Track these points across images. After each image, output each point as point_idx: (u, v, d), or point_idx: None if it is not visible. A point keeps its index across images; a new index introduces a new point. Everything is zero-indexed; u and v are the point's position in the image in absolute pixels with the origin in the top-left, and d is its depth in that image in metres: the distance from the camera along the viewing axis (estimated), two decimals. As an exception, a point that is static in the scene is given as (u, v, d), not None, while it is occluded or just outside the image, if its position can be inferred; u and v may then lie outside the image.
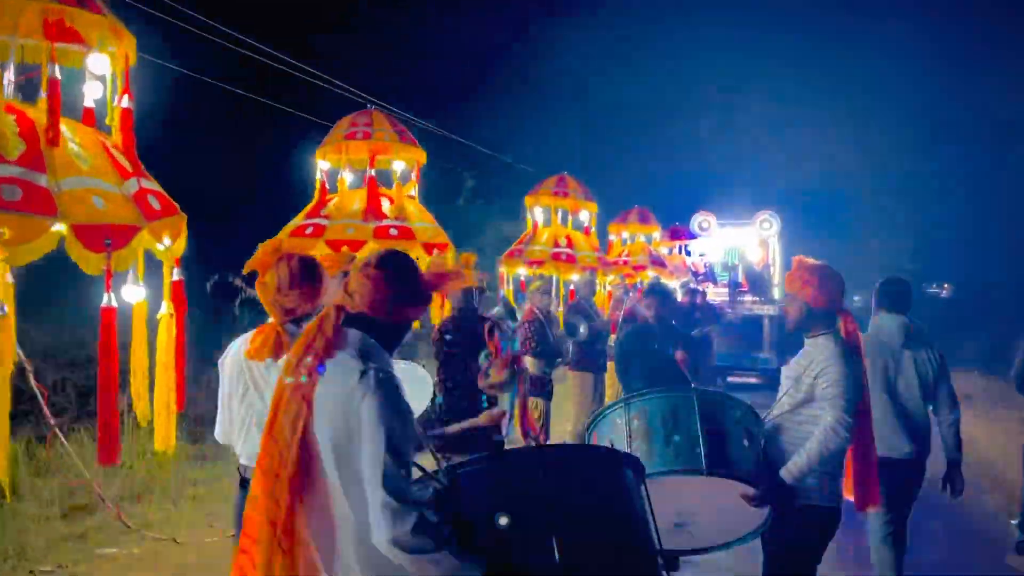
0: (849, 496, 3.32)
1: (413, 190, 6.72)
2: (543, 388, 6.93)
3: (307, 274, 2.80)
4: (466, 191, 22.33)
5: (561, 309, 8.88)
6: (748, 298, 15.03)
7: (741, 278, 15.53)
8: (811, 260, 3.36)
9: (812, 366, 3.17)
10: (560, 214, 10.09)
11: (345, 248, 5.56)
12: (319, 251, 6.03)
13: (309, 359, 1.95)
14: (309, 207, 6.45)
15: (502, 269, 9.85)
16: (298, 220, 6.37)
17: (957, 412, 4.15)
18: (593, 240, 10.37)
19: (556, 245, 9.72)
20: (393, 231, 6.17)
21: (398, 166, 6.50)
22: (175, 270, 3.67)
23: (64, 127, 3.13)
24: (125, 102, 3.45)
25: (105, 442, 3.11)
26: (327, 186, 6.57)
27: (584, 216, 10.25)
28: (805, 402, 3.16)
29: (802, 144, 26.66)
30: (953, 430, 4.12)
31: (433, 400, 3.78)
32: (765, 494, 2.96)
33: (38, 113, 3.15)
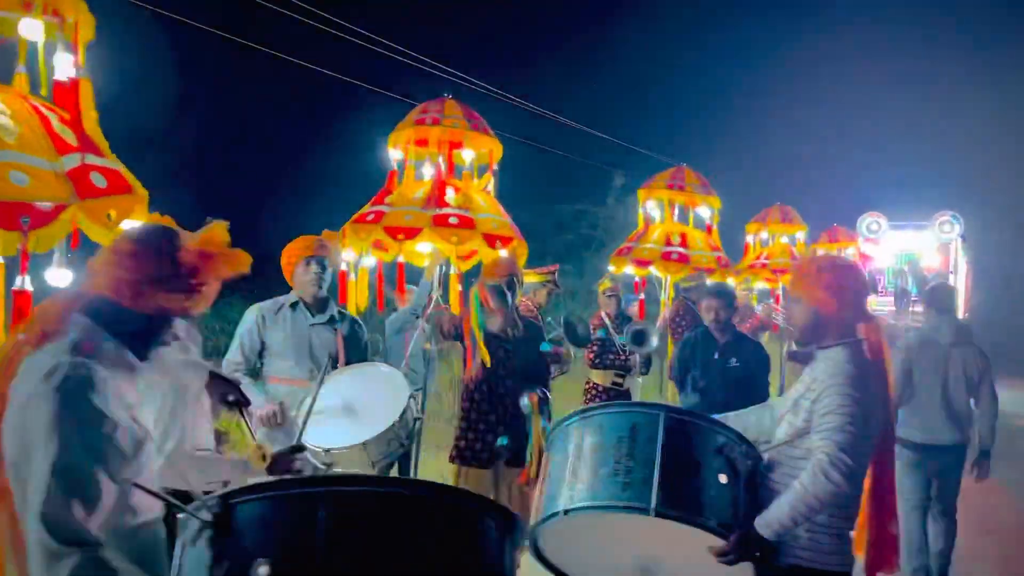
0: (860, 554, 2.69)
1: (489, 184, 6.26)
2: (610, 400, 6.25)
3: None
4: (615, 189, 21.93)
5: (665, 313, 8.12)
6: (919, 309, 13.24)
7: (911, 286, 13.68)
8: (826, 254, 2.55)
9: (814, 385, 2.53)
10: (677, 210, 9.21)
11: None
12: (376, 236, 5.73)
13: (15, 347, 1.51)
14: (379, 194, 6.16)
15: (611, 268, 9.16)
16: (365, 207, 6.09)
17: (996, 407, 4.78)
18: (715, 239, 9.38)
19: (668, 243, 8.90)
20: (453, 219, 5.77)
21: (468, 155, 6.04)
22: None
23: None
24: (74, 73, 3.22)
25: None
26: (397, 173, 6.24)
27: (705, 212, 9.30)
28: (803, 432, 2.52)
29: (989, 136, 23.35)
30: (990, 423, 4.73)
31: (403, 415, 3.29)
32: (736, 548, 2.21)
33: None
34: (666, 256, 8.80)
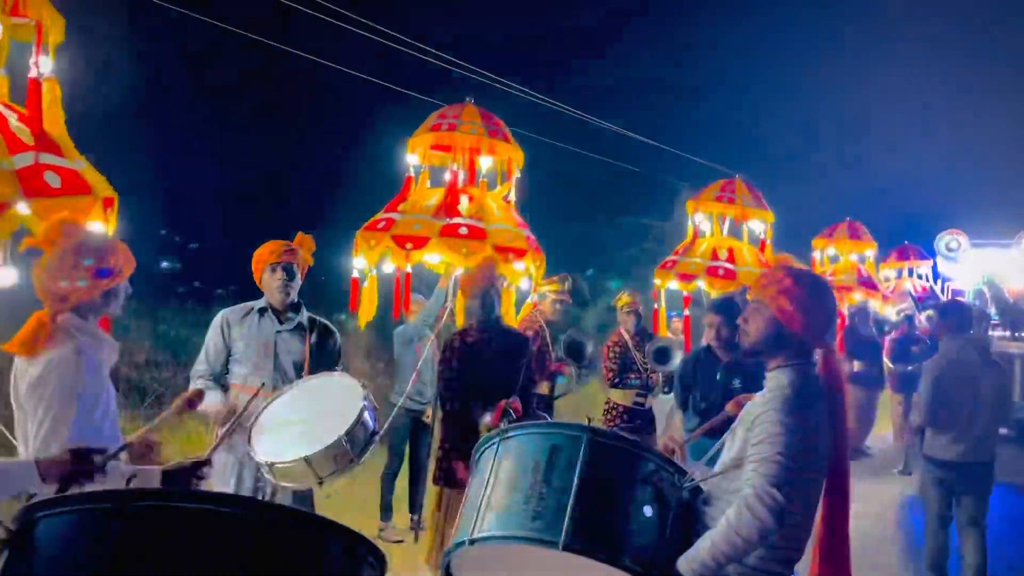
0: None
1: (510, 192, 6.06)
2: (630, 422, 5.90)
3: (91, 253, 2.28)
4: (682, 203, 21.42)
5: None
6: (998, 332, 12.26)
7: (990, 307, 12.69)
8: (802, 267, 2.29)
9: (753, 409, 2.25)
10: (728, 223, 8.75)
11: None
12: (386, 245, 5.60)
13: None
14: (393, 200, 6.04)
15: (656, 282, 8.78)
16: (378, 214, 5.97)
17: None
18: (767, 255, 8.85)
19: (715, 258, 8.45)
20: (463, 230, 5.58)
21: (485, 162, 5.84)
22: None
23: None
24: (34, 72, 3.20)
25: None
26: (413, 179, 6.10)
27: (758, 226, 8.80)
28: (738, 462, 2.23)
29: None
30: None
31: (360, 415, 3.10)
32: None
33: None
34: (712, 271, 8.37)
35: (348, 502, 6.40)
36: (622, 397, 5.99)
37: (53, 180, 3.10)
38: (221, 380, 3.83)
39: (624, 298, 6.35)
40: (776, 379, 2.30)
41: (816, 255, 11.43)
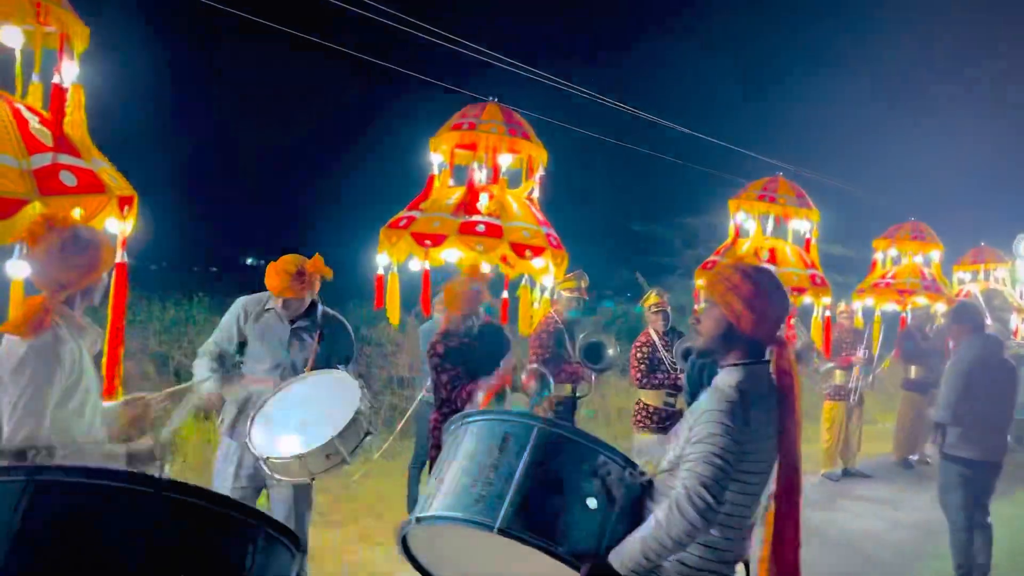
0: None
1: (533, 190, 6.15)
2: (660, 423, 5.89)
3: (71, 247, 2.48)
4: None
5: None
6: None
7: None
8: (750, 262, 2.29)
9: (697, 408, 2.26)
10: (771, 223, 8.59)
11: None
12: (405, 243, 5.75)
13: None
14: (416, 198, 6.21)
15: (697, 282, 8.69)
16: (401, 212, 6.16)
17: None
18: (812, 255, 8.64)
19: (756, 258, 8.27)
20: (480, 227, 5.71)
21: (504, 160, 5.95)
22: (120, 252, 3.63)
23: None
24: (57, 79, 3.48)
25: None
26: (436, 177, 6.25)
27: (803, 226, 8.60)
28: (680, 460, 2.22)
29: None
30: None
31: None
32: None
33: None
34: (751, 272, 8.24)
35: (372, 497, 6.60)
36: (652, 398, 5.95)
37: (69, 179, 3.37)
38: (225, 361, 4.03)
39: (652, 298, 6.25)
40: (723, 379, 2.30)
41: (878, 256, 11.05)
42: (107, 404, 2.80)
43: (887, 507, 7.67)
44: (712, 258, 8.69)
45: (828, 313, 8.63)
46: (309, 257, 4.03)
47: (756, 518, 2.28)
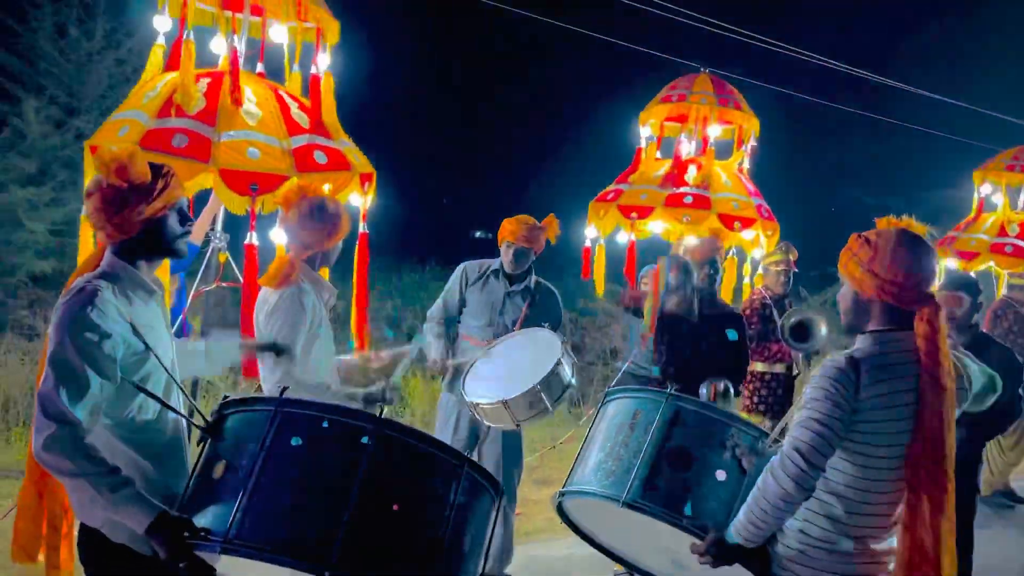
0: None
1: (743, 160, 6.04)
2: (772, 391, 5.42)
3: (317, 215, 2.88)
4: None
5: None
6: None
7: None
8: (882, 227, 2.14)
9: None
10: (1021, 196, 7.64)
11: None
12: (612, 216, 5.88)
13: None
14: (625, 172, 6.34)
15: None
16: (610, 185, 6.32)
17: None
18: (1074, 231, 7.55)
19: (1002, 234, 7.44)
20: (688, 199, 5.73)
21: (713, 131, 5.89)
22: (361, 223, 4.13)
23: (249, 89, 3.80)
24: (314, 69, 4.00)
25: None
26: (643, 151, 6.34)
27: (1062, 199, 7.55)
28: None
29: None
30: None
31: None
32: (709, 549, 2.13)
33: (252, 81, 3.91)
34: (996, 248, 7.40)
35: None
36: (764, 366, 5.51)
37: (320, 158, 3.88)
38: (451, 327, 4.44)
39: (777, 254, 5.50)
40: (852, 346, 2.18)
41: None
42: (342, 357, 3.23)
43: None
44: (952, 234, 7.93)
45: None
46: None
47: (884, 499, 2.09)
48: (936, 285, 6.51)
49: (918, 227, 2.19)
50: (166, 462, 2.20)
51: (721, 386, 4.03)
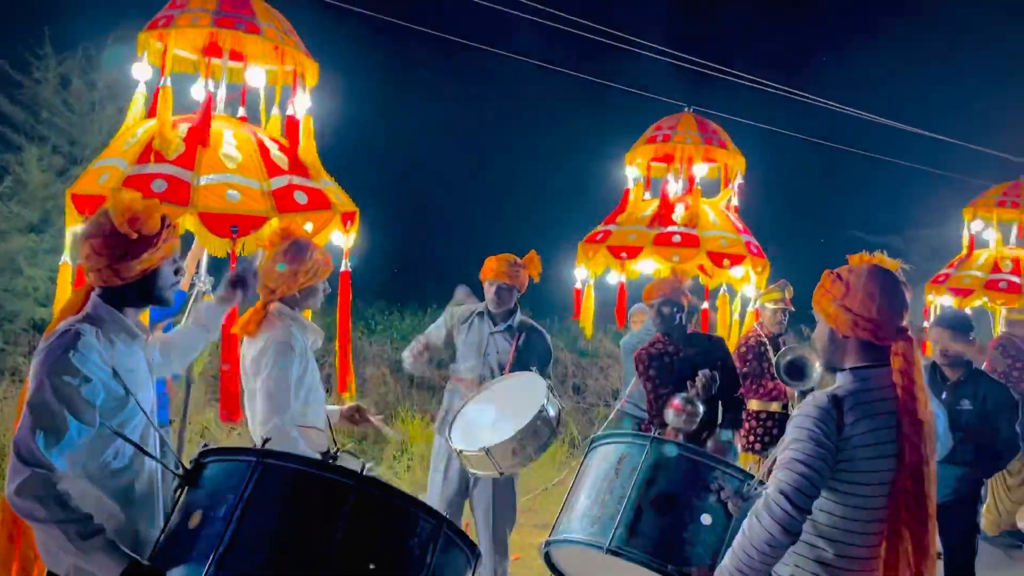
0: None
1: (732, 198, 6.04)
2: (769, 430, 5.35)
3: (281, 256, 2.87)
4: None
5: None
6: None
7: None
8: (855, 264, 2.09)
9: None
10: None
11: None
12: (602, 256, 5.85)
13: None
14: (613, 212, 6.33)
15: (928, 298, 7.95)
16: (599, 226, 6.31)
17: None
18: (1066, 267, 7.53)
19: (995, 270, 7.43)
20: (676, 238, 5.71)
21: (699, 170, 5.91)
22: (343, 261, 4.08)
23: (229, 132, 3.80)
24: (291, 111, 3.99)
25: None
26: (631, 191, 6.33)
27: (1051, 234, 7.54)
28: None
29: None
30: None
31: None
32: None
33: (237, 127, 3.90)
34: (991, 285, 7.37)
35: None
36: (758, 404, 5.44)
37: (300, 198, 3.86)
38: (430, 354, 4.43)
39: (775, 293, 5.45)
40: (831, 383, 2.15)
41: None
42: (330, 407, 3.17)
43: None
44: (944, 271, 7.91)
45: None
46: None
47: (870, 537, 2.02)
48: (927, 324, 6.41)
49: (890, 263, 2.16)
50: (140, 509, 2.15)
51: (701, 378, 3.96)
